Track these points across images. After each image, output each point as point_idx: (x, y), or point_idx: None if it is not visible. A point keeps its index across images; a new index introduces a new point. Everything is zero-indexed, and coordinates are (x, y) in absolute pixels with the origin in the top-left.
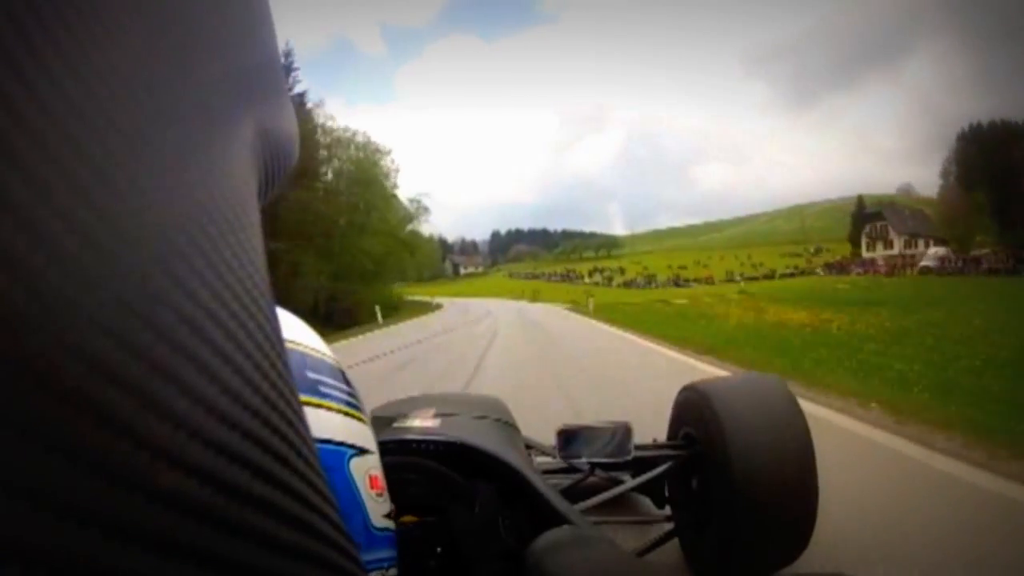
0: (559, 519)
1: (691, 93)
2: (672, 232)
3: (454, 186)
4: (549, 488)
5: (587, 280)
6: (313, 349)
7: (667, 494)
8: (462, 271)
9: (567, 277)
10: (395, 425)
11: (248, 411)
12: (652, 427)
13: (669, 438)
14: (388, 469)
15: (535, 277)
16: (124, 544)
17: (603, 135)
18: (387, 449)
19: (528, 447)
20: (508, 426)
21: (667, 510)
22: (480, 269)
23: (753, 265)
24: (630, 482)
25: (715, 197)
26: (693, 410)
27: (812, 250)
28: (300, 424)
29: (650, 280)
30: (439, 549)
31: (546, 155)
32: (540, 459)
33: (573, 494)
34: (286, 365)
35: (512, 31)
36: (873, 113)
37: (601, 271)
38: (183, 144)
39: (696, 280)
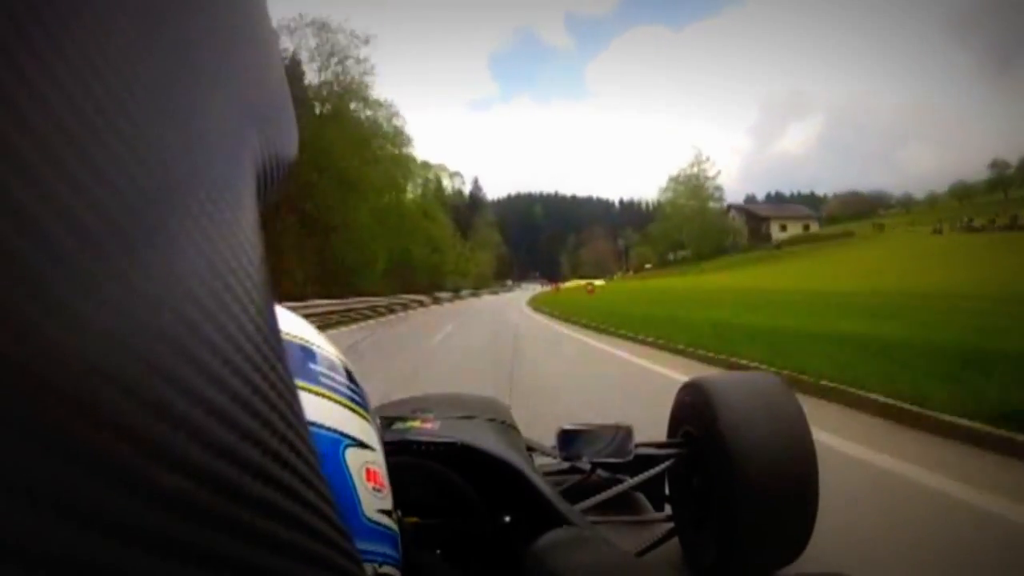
0: (559, 520)
1: (894, 67)
2: None
3: (658, 181)
4: (550, 489)
5: None
6: (317, 345)
7: (667, 493)
8: (776, 235)
9: None
10: (396, 426)
11: (248, 411)
12: None
13: (669, 436)
14: (388, 470)
15: None
16: (124, 544)
17: (804, 119)
18: (387, 450)
19: (529, 448)
20: (508, 427)
21: (667, 510)
22: (810, 229)
23: None
24: (630, 480)
25: (928, 177)
26: (692, 408)
27: None
28: (299, 424)
29: None
30: (439, 551)
31: (748, 142)
32: (540, 460)
33: (573, 494)
34: (285, 365)
35: (697, 17)
36: None
37: None
38: (183, 144)
39: None
